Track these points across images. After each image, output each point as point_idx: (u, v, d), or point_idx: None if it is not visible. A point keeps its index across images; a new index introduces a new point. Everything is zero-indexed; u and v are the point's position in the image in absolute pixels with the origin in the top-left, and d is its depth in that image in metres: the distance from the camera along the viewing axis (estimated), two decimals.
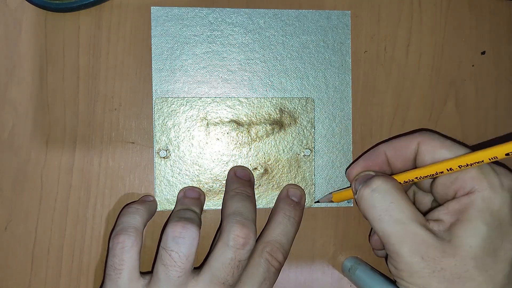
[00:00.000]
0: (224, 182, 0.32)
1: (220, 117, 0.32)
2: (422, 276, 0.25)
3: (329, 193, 0.33)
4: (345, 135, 0.34)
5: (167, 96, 0.32)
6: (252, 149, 0.33)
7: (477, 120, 0.35)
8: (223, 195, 0.32)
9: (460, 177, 0.26)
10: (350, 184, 0.30)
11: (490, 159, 0.24)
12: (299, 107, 0.33)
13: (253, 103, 0.33)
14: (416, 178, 0.27)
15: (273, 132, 0.33)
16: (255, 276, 0.28)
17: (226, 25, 0.32)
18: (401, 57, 0.34)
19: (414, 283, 0.25)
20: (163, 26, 0.32)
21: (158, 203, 0.32)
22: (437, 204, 0.28)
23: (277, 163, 0.33)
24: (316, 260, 0.34)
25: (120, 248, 0.27)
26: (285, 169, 0.33)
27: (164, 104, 0.32)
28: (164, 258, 0.26)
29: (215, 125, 0.32)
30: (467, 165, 0.25)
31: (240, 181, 0.31)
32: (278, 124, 0.33)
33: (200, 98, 0.32)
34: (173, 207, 0.32)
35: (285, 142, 0.33)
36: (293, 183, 0.33)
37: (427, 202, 0.30)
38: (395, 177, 0.28)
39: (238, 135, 0.32)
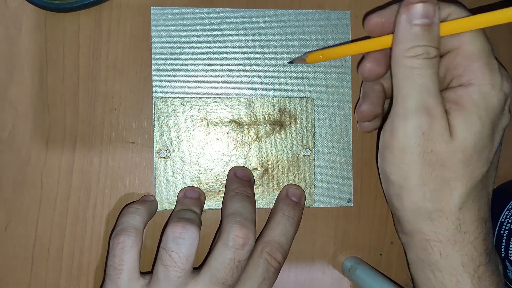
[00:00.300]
0: (224, 182, 0.32)
1: (220, 117, 0.32)
2: (412, 153, 0.25)
3: (304, 54, 0.31)
4: (345, 135, 0.34)
5: (167, 96, 0.32)
6: (252, 149, 0.33)
7: None
8: (223, 195, 0.32)
9: (464, 65, 0.25)
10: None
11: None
12: (299, 107, 0.33)
13: (253, 103, 0.33)
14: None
15: (273, 132, 0.33)
16: (254, 276, 0.28)
17: (226, 25, 0.32)
18: None
19: (402, 160, 0.26)
20: (163, 26, 0.32)
21: (158, 203, 0.32)
22: None
23: (277, 163, 0.33)
24: (316, 260, 0.34)
25: (120, 248, 0.27)
26: (285, 169, 0.33)
27: (164, 104, 0.32)
28: (164, 258, 0.26)
29: (215, 125, 0.32)
30: None
31: (240, 181, 0.31)
32: (278, 124, 0.33)
33: (200, 98, 0.32)
34: (173, 207, 0.32)
35: (285, 142, 0.33)
36: (293, 183, 0.33)
37: None
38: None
39: (238, 135, 0.32)
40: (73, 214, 0.31)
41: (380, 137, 0.28)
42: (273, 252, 0.29)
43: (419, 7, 0.25)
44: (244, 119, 0.33)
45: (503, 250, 0.31)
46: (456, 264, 0.26)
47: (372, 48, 0.28)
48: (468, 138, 0.25)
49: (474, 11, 0.26)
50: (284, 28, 0.33)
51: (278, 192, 0.33)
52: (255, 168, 0.33)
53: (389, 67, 0.28)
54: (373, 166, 0.34)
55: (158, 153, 0.32)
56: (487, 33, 0.25)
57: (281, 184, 0.33)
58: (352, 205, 0.34)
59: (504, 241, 0.31)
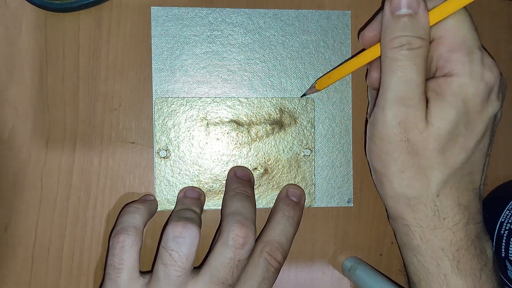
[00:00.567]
0: (224, 182, 0.32)
1: (220, 117, 0.32)
2: (390, 142, 0.27)
3: (313, 83, 0.32)
4: (345, 135, 0.34)
5: (167, 96, 0.32)
6: (252, 149, 0.33)
7: None
8: (223, 195, 0.32)
9: (445, 56, 0.26)
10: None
11: None
12: (299, 107, 0.33)
13: (253, 103, 0.33)
14: None
15: (273, 132, 0.33)
16: (254, 276, 0.28)
17: (226, 25, 0.32)
18: None
19: (382, 149, 0.27)
20: (163, 26, 0.32)
21: (158, 203, 0.32)
22: None
23: (277, 163, 0.33)
24: (316, 260, 0.34)
25: (120, 248, 0.27)
26: (285, 169, 0.33)
27: (164, 104, 0.32)
28: (164, 257, 0.26)
29: (215, 125, 0.32)
30: None
31: (240, 181, 0.31)
32: (278, 124, 0.33)
33: (200, 98, 0.32)
34: (173, 207, 0.32)
35: (285, 142, 0.33)
36: (293, 183, 0.33)
37: None
38: None
39: (238, 135, 0.32)
40: (73, 214, 0.31)
41: (367, 128, 0.29)
42: (273, 252, 0.29)
43: None
44: (244, 119, 0.33)
45: (503, 250, 0.31)
46: (436, 248, 0.27)
47: (373, 56, 0.28)
48: (442, 127, 0.26)
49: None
50: (284, 28, 0.33)
51: (278, 192, 0.33)
52: (255, 168, 0.33)
53: None
54: None
55: (158, 153, 0.32)
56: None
57: (281, 184, 0.33)
58: (352, 205, 0.34)
59: (504, 241, 0.31)
